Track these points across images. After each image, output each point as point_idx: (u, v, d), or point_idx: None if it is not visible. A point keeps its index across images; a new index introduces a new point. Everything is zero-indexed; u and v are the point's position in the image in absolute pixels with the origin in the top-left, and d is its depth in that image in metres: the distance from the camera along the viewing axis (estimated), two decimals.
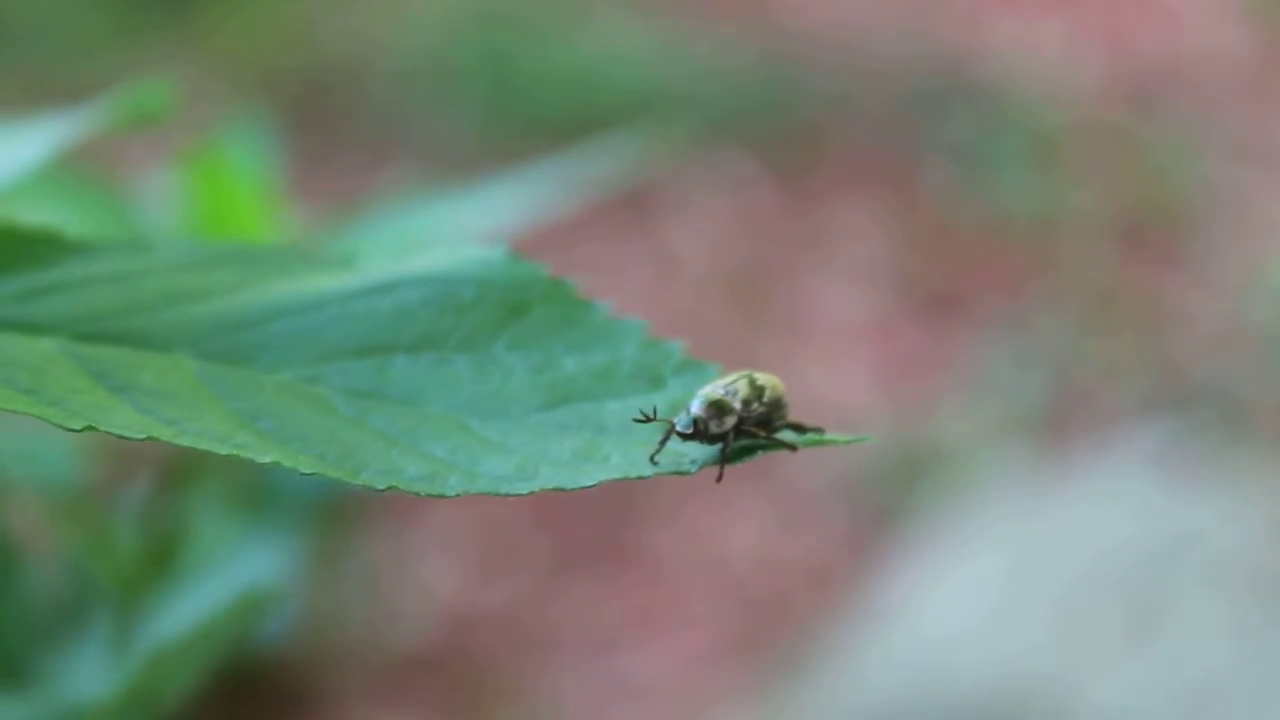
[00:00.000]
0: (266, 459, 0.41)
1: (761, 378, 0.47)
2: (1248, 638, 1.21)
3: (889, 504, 1.50)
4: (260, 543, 0.89)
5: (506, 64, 2.01)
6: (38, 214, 0.57)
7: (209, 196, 0.84)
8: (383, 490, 0.41)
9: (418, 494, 0.41)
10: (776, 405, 0.48)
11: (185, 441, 0.41)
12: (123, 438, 0.41)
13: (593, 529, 1.51)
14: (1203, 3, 2.14)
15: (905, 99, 1.99)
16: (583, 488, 0.42)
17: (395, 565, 1.44)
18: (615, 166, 0.95)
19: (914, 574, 1.34)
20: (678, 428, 0.45)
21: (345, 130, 1.94)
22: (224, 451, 0.41)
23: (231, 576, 0.83)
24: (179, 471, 0.83)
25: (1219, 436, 1.53)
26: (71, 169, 0.84)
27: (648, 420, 0.44)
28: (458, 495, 0.42)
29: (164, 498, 0.83)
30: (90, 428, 0.41)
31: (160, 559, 0.78)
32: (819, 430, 0.49)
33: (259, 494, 0.90)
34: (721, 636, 1.43)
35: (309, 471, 0.41)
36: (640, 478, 0.43)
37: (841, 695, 1.26)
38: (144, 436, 0.41)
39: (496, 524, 1.50)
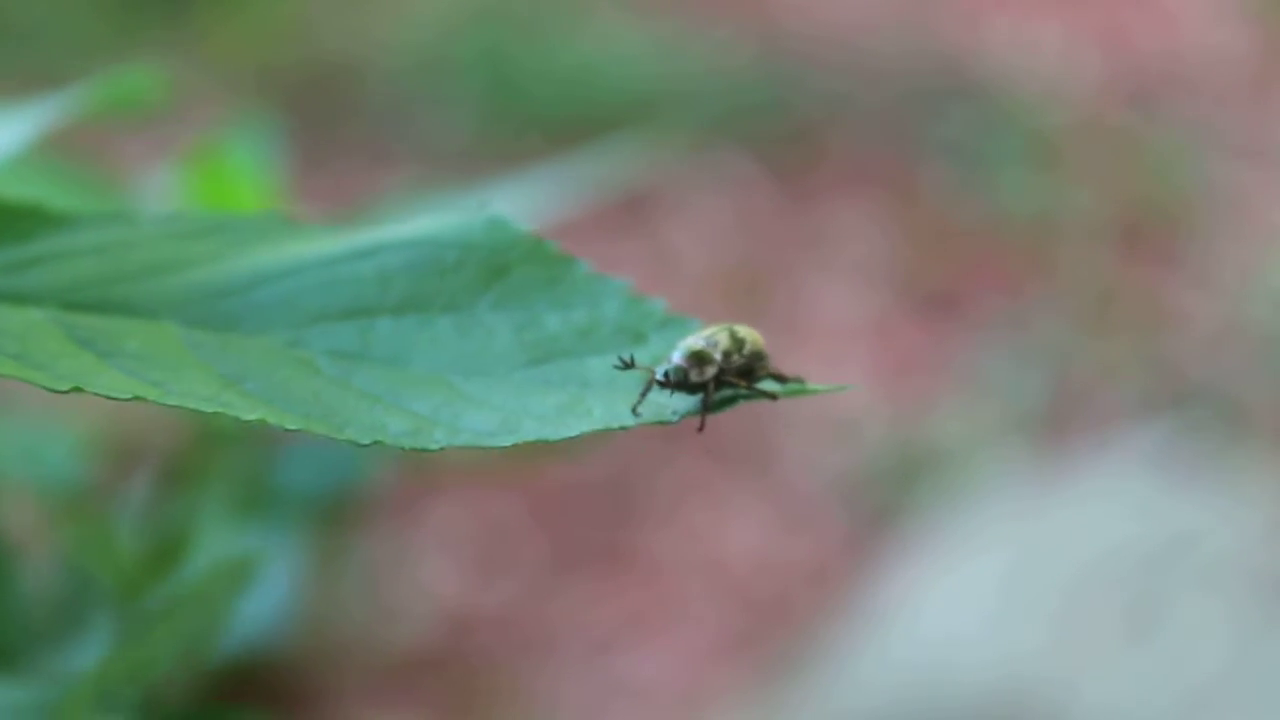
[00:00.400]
0: (252, 416, 0.41)
1: (742, 330, 0.48)
2: (1246, 638, 1.21)
3: (887, 504, 1.50)
4: (259, 542, 0.89)
5: (506, 63, 2.01)
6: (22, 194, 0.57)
7: (210, 197, 0.84)
8: (367, 445, 0.42)
9: (402, 448, 0.42)
10: (757, 357, 0.48)
11: (171, 401, 0.42)
12: (109, 398, 0.41)
13: (590, 529, 1.51)
14: (1201, 3, 2.14)
15: (904, 98, 1.99)
16: (565, 439, 0.43)
17: (393, 565, 1.44)
18: (616, 170, 0.95)
19: (912, 574, 1.34)
20: (658, 376, 0.45)
21: (343, 129, 1.94)
22: (209, 409, 0.42)
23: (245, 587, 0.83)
24: (179, 472, 0.83)
25: (1218, 437, 1.53)
26: (71, 167, 0.84)
27: (627, 366, 0.45)
28: (440, 450, 0.42)
29: (164, 498, 0.83)
30: (77, 389, 0.41)
31: (161, 559, 0.78)
32: (800, 380, 0.49)
33: (259, 493, 0.90)
34: (719, 637, 1.43)
35: (294, 428, 0.42)
36: (623, 428, 0.44)
37: (840, 696, 1.26)
38: (130, 396, 0.41)
39: (494, 524, 1.50)
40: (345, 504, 1.08)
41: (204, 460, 0.83)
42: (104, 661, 0.64)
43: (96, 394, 0.41)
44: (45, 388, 0.41)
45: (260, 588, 0.96)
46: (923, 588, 1.32)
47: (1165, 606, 1.23)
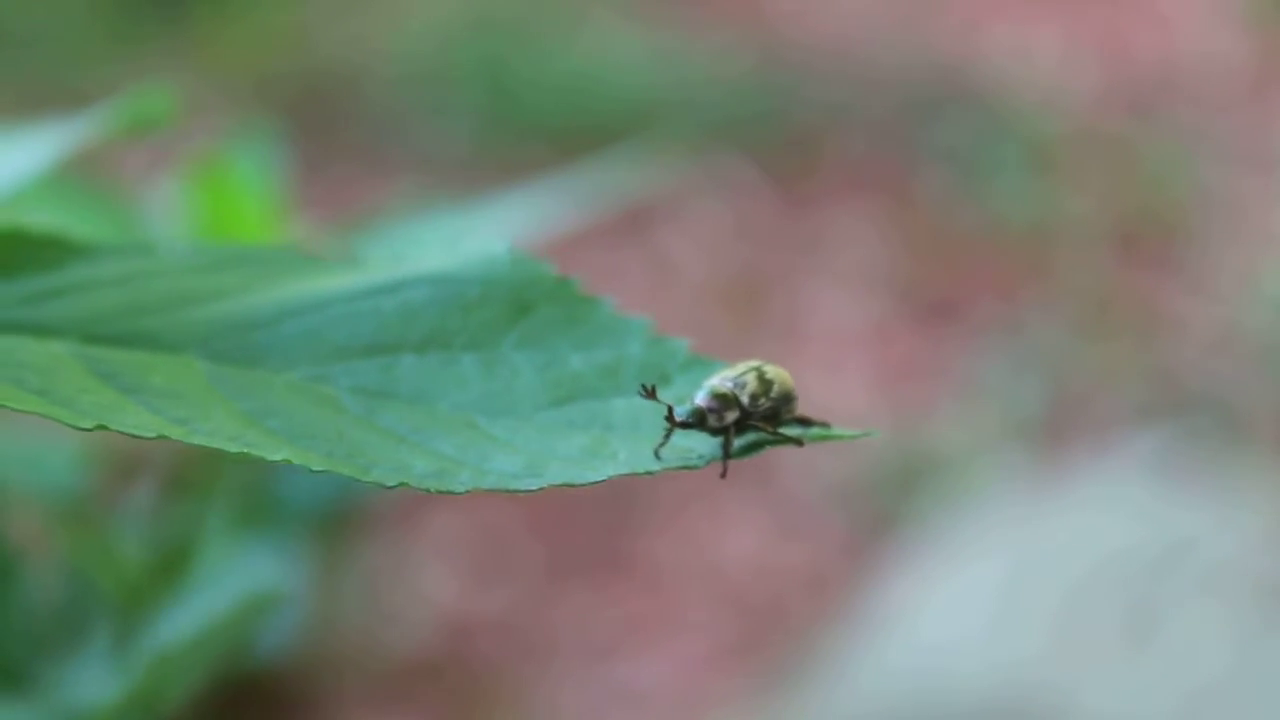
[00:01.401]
0: (277, 457, 0.41)
1: (770, 370, 0.47)
2: (1245, 644, 1.21)
3: (886, 511, 1.50)
4: (261, 551, 0.89)
5: (504, 72, 2.01)
6: (43, 222, 0.57)
7: (214, 208, 0.85)
8: (393, 487, 0.42)
9: (428, 491, 0.42)
10: (785, 399, 0.47)
11: (197, 440, 0.42)
12: (134, 436, 0.41)
13: (589, 535, 1.51)
14: (1199, 10, 2.14)
15: (901, 106, 1.99)
16: (591, 483, 0.43)
17: (393, 572, 1.44)
18: (618, 183, 0.95)
19: (911, 581, 1.34)
20: (677, 415, 0.45)
21: (342, 138, 1.94)
22: (234, 450, 0.41)
23: (233, 585, 0.83)
24: (181, 481, 0.83)
25: (1216, 443, 1.53)
26: (76, 179, 0.84)
27: (649, 395, 0.44)
28: (467, 492, 0.42)
29: (166, 507, 0.83)
30: (101, 427, 0.41)
31: (163, 569, 0.78)
32: (825, 425, 0.49)
33: (261, 503, 0.90)
34: (718, 643, 1.43)
35: (319, 469, 0.42)
36: (648, 473, 0.43)
37: (838, 703, 1.26)
38: (155, 435, 0.41)
39: (493, 531, 1.50)
40: (346, 513, 1.08)
41: (206, 469, 0.83)
42: (119, 696, 0.64)
43: (121, 432, 0.41)
44: (69, 425, 0.41)
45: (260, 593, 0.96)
46: (921, 594, 1.32)
47: (1164, 613, 1.23)
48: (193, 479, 0.83)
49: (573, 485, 0.42)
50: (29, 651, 0.73)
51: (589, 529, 1.51)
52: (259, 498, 0.90)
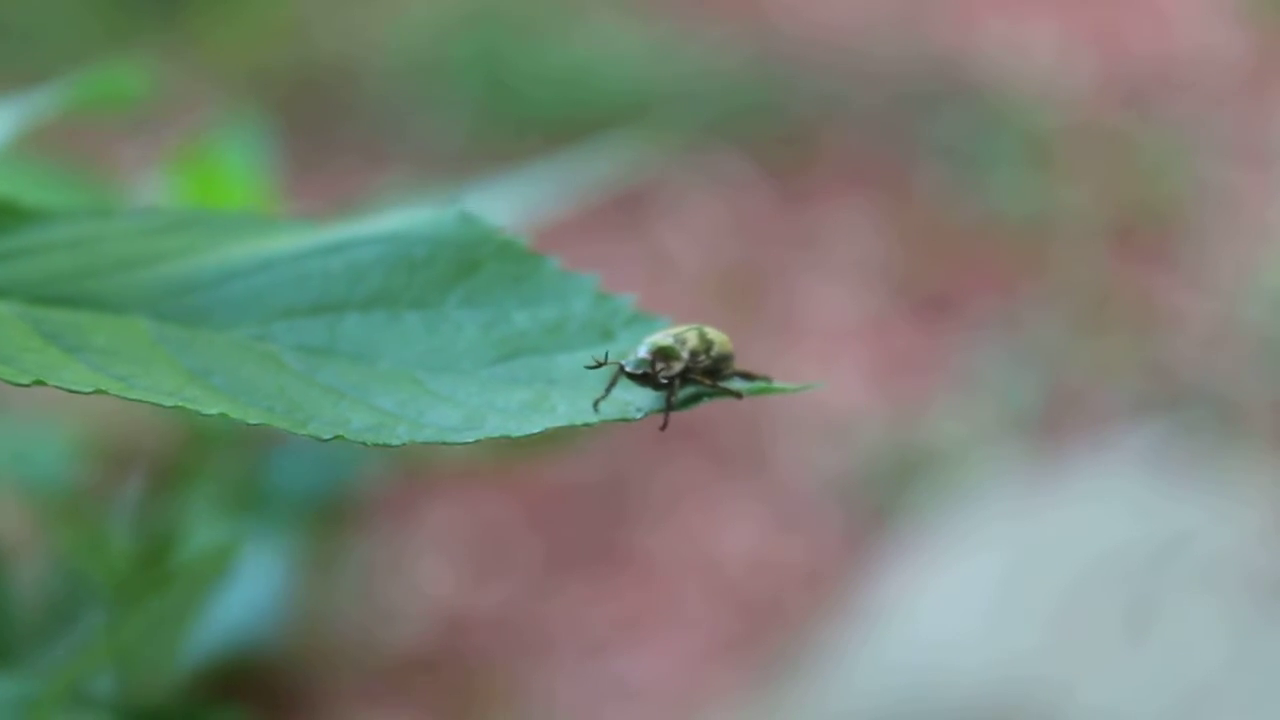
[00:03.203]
0: (213, 410, 0.42)
1: (711, 332, 0.48)
2: (1242, 639, 1.21)
3: (883, 505, 1.50)
4: (253, 545, 0.89)
5: (500, 64, 2.01)
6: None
7: (201, 197, 0.84)
8: (328, 440, 0.42)
9: (364, 444, 0.42)
10: (724, 359, 0.48)
11: (134, 395, 0.42)
12: (71, 392, 0.41)
13: (585, 530, 1.51)
14: (1196, 4, 2.14)
15: (898, 100, 1.99)
16: (527, 435, 0.43)
17: (388, 567, 1.43)
18: (610, 169, 0.95)
19: (908, 575, 1.34)
20: (626, 368, 0.45)
21: (338, 130, 1.93)
22: (170, 404, 0.42)
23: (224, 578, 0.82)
24: (172, 473, 0.83)
25: (1213, 437, 1.53)
26: (64, 169, 0.84)
27: (599, 366, 0.45)
28: (403, 444, 0.42)
29: (157, 499, 0.82)
30: (39, 382, 0.41)
31: (152, 560, 0.78)
32: (766, 378, 0.49)
33: (252, 496, 0.90)
34: (714, 638, 1.43)
35: (256, 422, 0.42)
36: (586, 425, 0.44)
37: (835, 697, 1.26)
38: (92, 390, 0.41)
39: (490, 525, 1.50)
40: (339, 505, 1.08)
41: (196, 461, 0.82)
42: (79, 653, 0.64)
43: (59, 387, 0.41)
44: (8, 381, 0.41)
45: (253, 588, 0.96)
46: (918, 589, 1.32)
47: (1161, 607, 1.23)
48: (182, 470, 0.83)
49: (510, 437, 0.43)
50: (19, 642, 0.72)
51: (586, 523, 1.51)
52: (249, 489, 0.89)
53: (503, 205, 0.87)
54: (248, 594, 0.96)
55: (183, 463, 0.82)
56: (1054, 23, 2.11)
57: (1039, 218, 1.83)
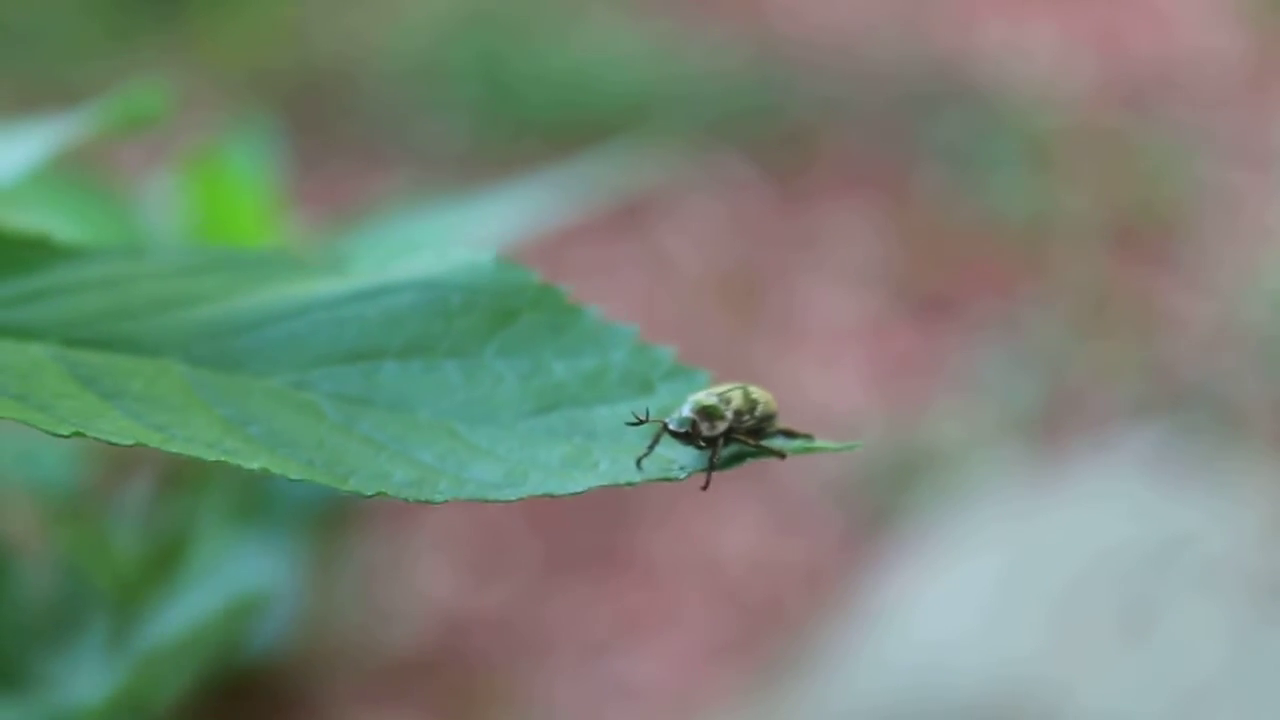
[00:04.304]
0: (254, 465, 0.41)
1: (756, 391, 0.48)
2: (1242, 640, 1.21)
3: (883, 506, 1.50)
4: (256, 547, 0.89)
5: (500, 66, 2.01)
6: (37, 219, 0.57)
7: (209, 203, 0.84)
8: (370, 496, 0.41)
9: (406, 500, 0.42)
10: (768, 418, 0.48)
11: (174, 448, 0.41)
12: (111, 444, 0.41)
13: (586, 531, 1.51)
14: (1195, 5, 2.14)
15: (898, 102, 1.99)
16: (571, 494, 0.42)
17: (389, 568, 1.44)
18: (613, 177, 0.95)
19: (907, 576, 1.34)
20: (670, 426, 0.45)
21: (338, 133, 1.94)
22: (212, 458, 0.41)
23: (227, 581, 0.83)
24: (176, 476, 0.83)
25: (1213, 438, 1.53)
26: (70, 174, 0.84)
27: (640, 423, 0.44)
28: (446, 501, 0.42)
29: (161, 502, 0.83)
30: (78, 433, 0.41)
31: (158, 564, 0.78)
32: (809, 437, 0.49)
33: (255, 499, 0.90)
34: (714, 639, 1.43)
35: (297, 478, 0.41)
36: (629, 484, 0.43)
37: (834, 698, 1.26)
38: (132, 442, 0.41)
39: (489, 527, 1.50)
40: (341, 507, 1.08)
41: (201, 465, 0.82)
42: (108, 699, 0.64)
43: (98, 439, 0.41)
44: (47, 431, 0.41)
45: (255, 590, 0.96)
46: (918, 590, 1.32)
47: (1161, 608, 1.23)
48: (187, 474, 0.83)
49: (553, 496, 0.42)
50: (23, 648, 0.72)
51: (586, 524, 1.51)
52: (254, 492, 0.89)
53: (507, 213, 0.87)
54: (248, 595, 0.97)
55: (186, 466, 0.82)
56: (1054, 24, 2.12)
57: (1039, 219, 1.83)
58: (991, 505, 1.41)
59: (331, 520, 1.11)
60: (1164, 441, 1.51)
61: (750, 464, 0.48)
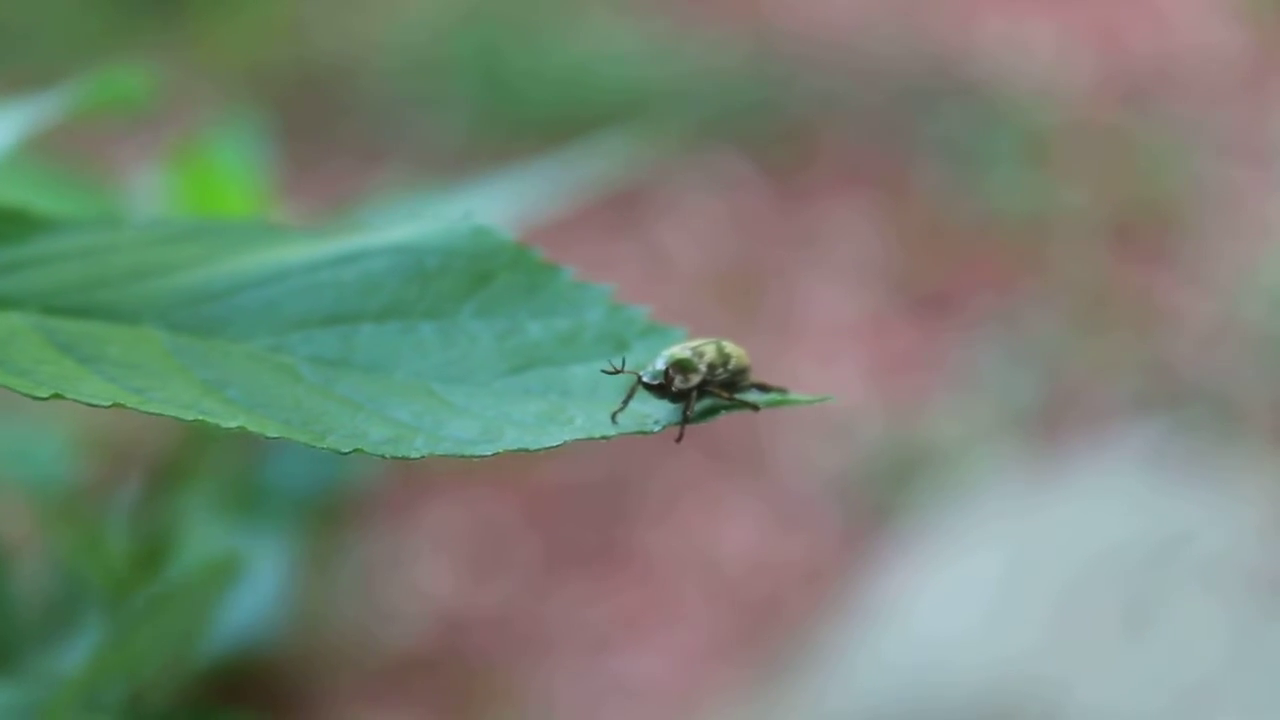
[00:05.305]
0: (232, 424, 0.41)
1: (729, 346, 0.48)
2: (1242, 636, 1.21)
3: (882, 503, 1.50)
4: (252, 544, 0.89)
5: (498, 63, 2.01)
6: (6, 197, 0.57)
7: (198, 197, 0.84)
8: (347, 453, 0.42)
9: (383, 456, 0.42)
10: (741, 372, 0.48)
11: (152, 408, 0.42)
12: (89, 405, 0.41)
13: (585, 529, 1.50)
14: (1194, 2, 2.14)
15: (897, 98, 1.99)
16: (546, 448, 0.43)
17: (387, 566, 1.43)
18: (607, 167, 0.95)
19: (907, 574, 1.34)
20: (644, 379, 0.45)
21: (336, 129, 1.93)
22: (189, 418, 0.42)
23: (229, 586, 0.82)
24: (170, 472, 0.83)
25: (1212, 435, 1.53)
26: (57, 166, 0.84)
27: (615, 373, 0.45)
28: (422, 457, 0.42)
29: (155, 498, 0.82)
30: (57, 395, 0.41)
31: (151, 559, 0.78)
32: (782, 390, 0.49)
33: (251, 495, 0.90)
34: (714, 636, 1.43)
35: (274, 435, 0.42)
36: (604, 437, 0.44)
37: (834, 696, 1.26)
38: (110, 403, 0.41)
39: (488, 524, 1.50)
40: (337, 503, 1.08)
41: (194, 460, 0.82)
42: (91, 662, 0.64)
43: (76, 400, 0.41)
44: (25, 394, 0.41)
45: (252, 587, 0.96)
46: (917, 587, 1.32)
47: (1160, 605, 1.23)
48: (181, 469, 0.83)
49: (528, 450, 0.43)
50: (18, 644, 0.72)
51: (584, 522, 1.51)
52: (247, 487, 0.89)
53: (500, 203, 0.87)
54: (247, 594, 0.96)
55: (181, 461, 0.82)
56: (1053, 21, 2.11)
57: (1038, 216, 1.83)
58: (991, 502, 1.41)
59: (329, 517, 1.10)
60: (1163, 438, 1.51)
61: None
